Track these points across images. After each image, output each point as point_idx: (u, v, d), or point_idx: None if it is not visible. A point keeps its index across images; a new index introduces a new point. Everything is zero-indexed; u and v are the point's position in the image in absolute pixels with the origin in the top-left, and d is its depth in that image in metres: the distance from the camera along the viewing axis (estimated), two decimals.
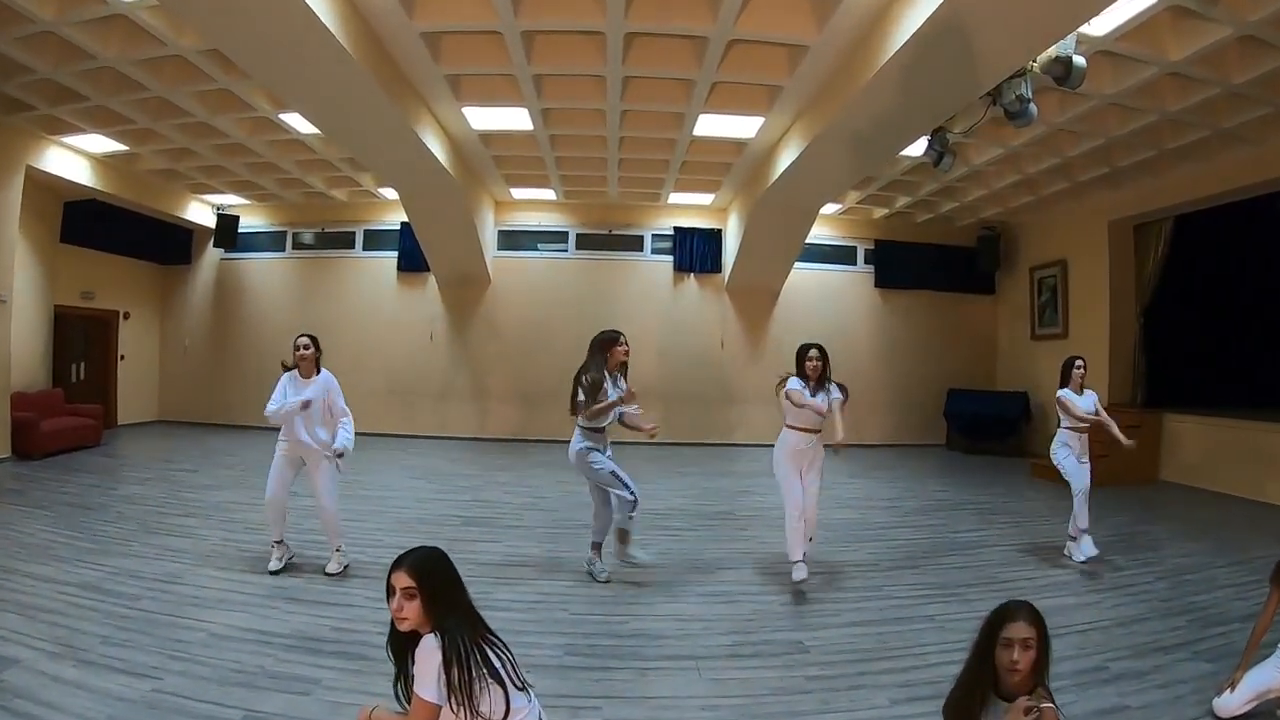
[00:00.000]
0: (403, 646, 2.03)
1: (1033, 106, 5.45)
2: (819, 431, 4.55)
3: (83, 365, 11.21)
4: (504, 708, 1.88)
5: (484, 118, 7.60)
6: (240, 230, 11.89)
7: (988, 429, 11.10)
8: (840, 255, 11.85)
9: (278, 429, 4.64)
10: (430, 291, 11.53)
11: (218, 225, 11.80)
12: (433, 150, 7.49)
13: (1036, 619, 2.01)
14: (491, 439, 11.09)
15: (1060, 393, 5.30)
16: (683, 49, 5.89)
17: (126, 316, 11.89)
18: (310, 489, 4.69)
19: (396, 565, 2.00)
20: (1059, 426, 5.41)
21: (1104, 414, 5.31)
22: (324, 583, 4.44)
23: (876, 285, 11.93)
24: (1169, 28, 5.59)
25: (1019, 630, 1.97)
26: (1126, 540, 5.93)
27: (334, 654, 3.39)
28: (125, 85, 7.12)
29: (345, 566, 4.62)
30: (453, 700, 1.82)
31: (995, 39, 4.60)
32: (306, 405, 4.46)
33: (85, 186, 9.61)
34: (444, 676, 1.82)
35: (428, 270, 11.19)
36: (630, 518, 4.55)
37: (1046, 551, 5.53)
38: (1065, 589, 4.76)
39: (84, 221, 10.57)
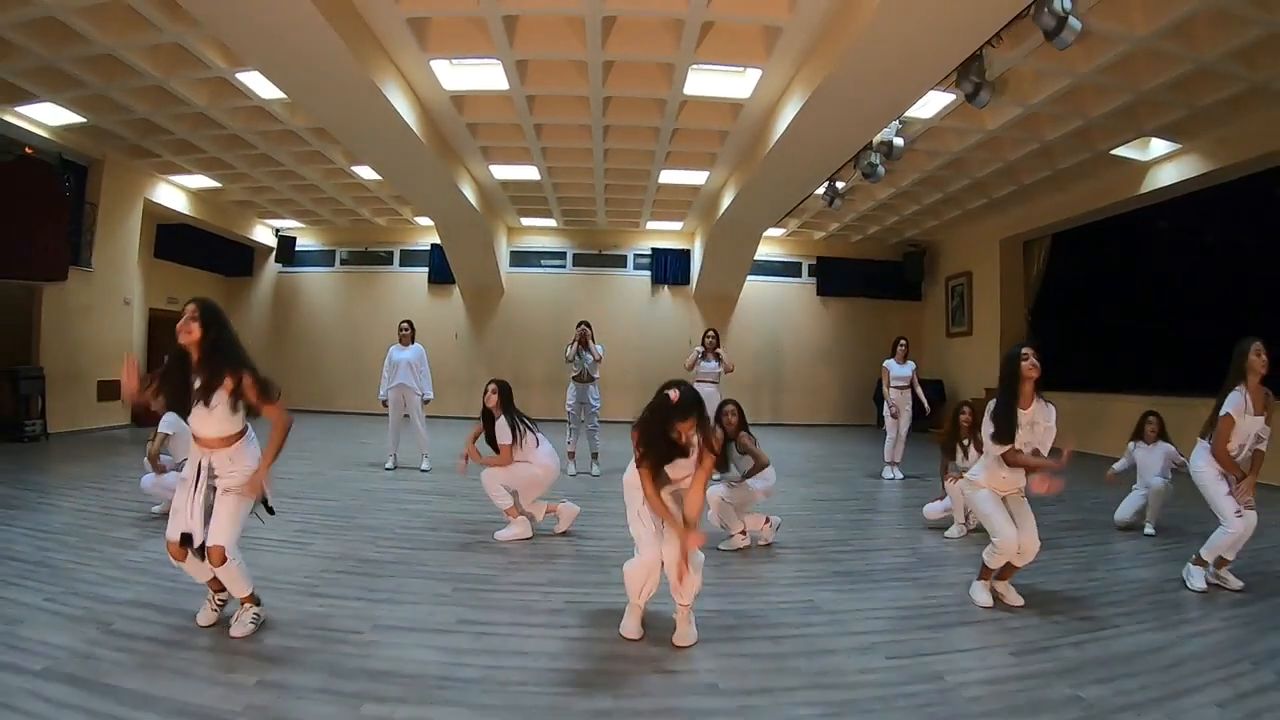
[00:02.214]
0: (487, 421, 4.59)
1: (881, 168, 8.02)
2: (716, 382, 7.11)
3: (167, 357, 13.72)
4: (534, 442, 4.46)
5: (504, 171, 10.23)
6: (296, 249, 14.46)
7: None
8: (787, 270, 14.48)
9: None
10: (455, 300, 14.12)
11: (278, 244, 14.38)
12: (465, 193, 10.08)
13: (736, 406, 4.44)
14: None
15: (885, 363, 7.80)
16: (644, 133, 8.53)
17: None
18: (410, 423, 7.35)
19: (490, 383, 4.57)
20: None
21: (916, 382, 7.77)
22: (418, 474, 7.03)
23: (818, 294, 14.54)
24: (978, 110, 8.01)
25: (730, 410, 4.40)
26: None
27: (438, 494, 5.96)
28: (239, 144, 9.67)
29: (430, 468, 7.22)
30: (513, 441, 4.37)
31: (837, 129, 7.15)
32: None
33: (179, 213, 12.15)
34: (509, 430, 4.37)
35: (453, 283, 13.80)
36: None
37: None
38: (889, 488, 7.28)
39: (170, 241, 13.10)
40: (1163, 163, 9.09)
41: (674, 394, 2.86)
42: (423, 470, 7.14)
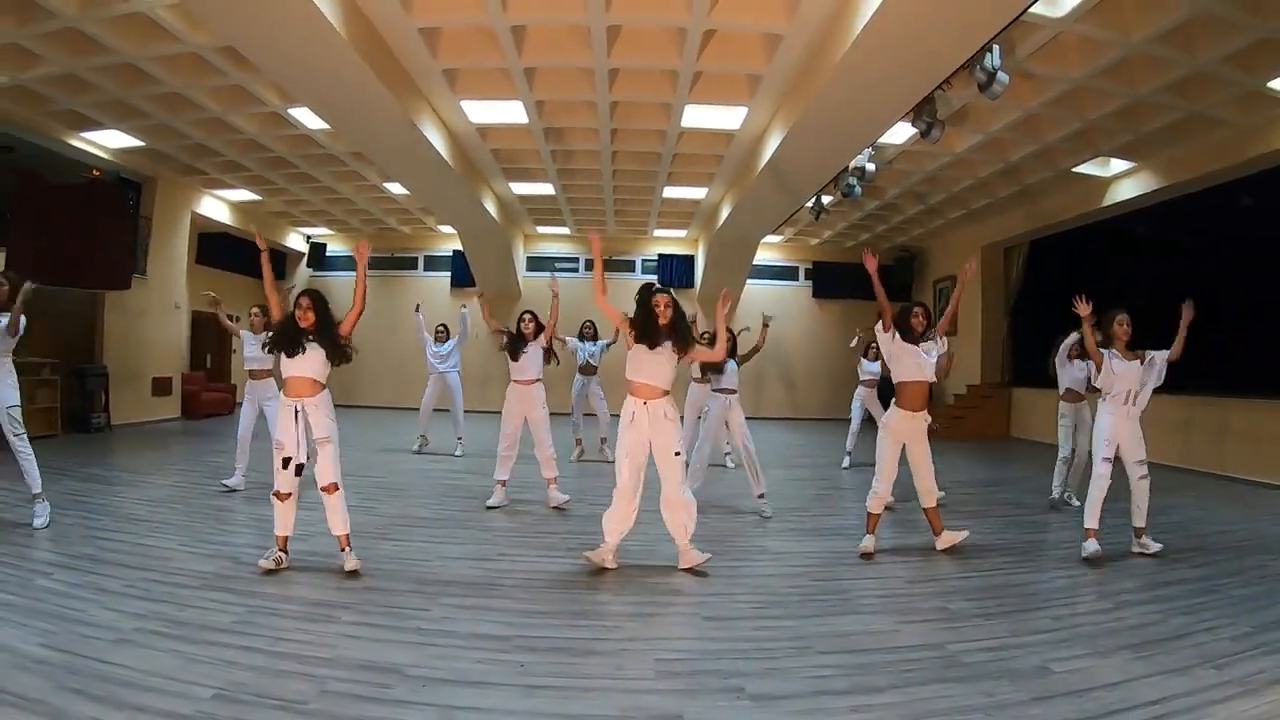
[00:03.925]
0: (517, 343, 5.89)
1: (858, 189, 8.96)
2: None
3: (209, 357, 14.86)
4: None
5: (523, 188, 11.29)
6: (326, 254, 15.57)
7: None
8: (785, 273, 15.46)
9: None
10: (475, 302, 15.13)
11: (310, 250, 15.48)
12: (486, 207, 11.12)
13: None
14: None
15: (861, 358, 8.79)
16: (648, 157, 9.52)
17: (236, 320, 15.48)
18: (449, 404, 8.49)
19: (526, 313, 5.91)
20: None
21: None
22: (452, 459, 8.05)
23: (814, 296, 15.51)
24: (948, 135, 8.94)
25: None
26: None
27: (470, 473, 6.99)
28: (283, 165, 10.72)
29: (463, 454, 8.29)
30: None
31: (813, 157, 8.11)
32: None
33: (220, 223, 13.20)
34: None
35: (474, 286, 14.82)
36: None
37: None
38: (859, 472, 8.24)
39: (210, 248, 14.14)
40: (1122, 179, 9.90)
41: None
42: (456, 455, 8.19)
